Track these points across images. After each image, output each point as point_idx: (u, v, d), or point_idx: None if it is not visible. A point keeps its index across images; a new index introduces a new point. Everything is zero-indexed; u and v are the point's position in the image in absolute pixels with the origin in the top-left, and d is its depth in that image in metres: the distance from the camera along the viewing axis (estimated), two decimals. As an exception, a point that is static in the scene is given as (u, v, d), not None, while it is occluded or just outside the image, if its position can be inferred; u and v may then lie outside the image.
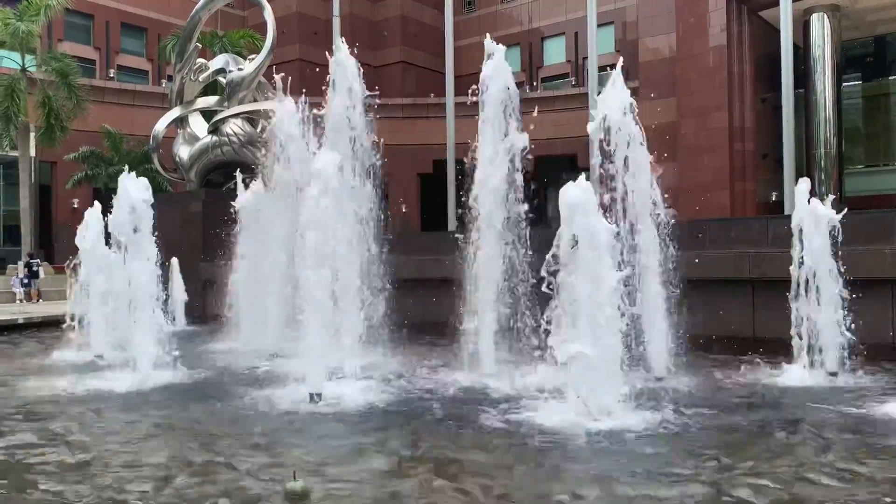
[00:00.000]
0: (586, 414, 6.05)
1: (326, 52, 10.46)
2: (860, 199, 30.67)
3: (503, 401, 7.14)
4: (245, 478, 4.85)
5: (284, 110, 11.52)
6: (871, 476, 4.77)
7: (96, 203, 11.50)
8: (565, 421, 6.04)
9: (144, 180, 9.26)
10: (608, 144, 7.93)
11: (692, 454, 5.27)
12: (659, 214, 8.24)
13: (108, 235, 9.75)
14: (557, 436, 5.77)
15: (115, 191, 9.24)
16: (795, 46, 24.12)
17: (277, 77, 11.75)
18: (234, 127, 18.90)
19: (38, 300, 26.24)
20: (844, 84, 32.17)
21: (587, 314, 6.05)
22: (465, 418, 6.53)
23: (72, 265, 11.61)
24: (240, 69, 19.46)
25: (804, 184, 8.77)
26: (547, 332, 6.20)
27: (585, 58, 28.47)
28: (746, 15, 31.05)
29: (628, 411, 6.23)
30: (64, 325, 11.45)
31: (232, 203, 13.25)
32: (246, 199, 13.20)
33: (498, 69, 8.82)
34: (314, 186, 7.61)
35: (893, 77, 34.06)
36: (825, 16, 30.13)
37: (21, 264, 27.49)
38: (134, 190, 9.01)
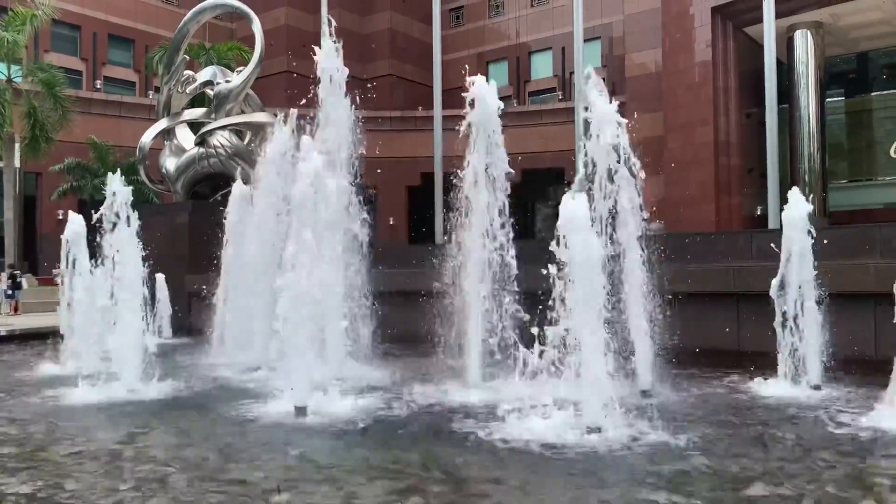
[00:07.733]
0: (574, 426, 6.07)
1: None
2: (844, 213, 31.03)
3: (489, 413, 7.11)
4: (225, 492, 4.81)
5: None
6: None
7: (71, 215, 10.95)
8: (551, 433, 6.05)
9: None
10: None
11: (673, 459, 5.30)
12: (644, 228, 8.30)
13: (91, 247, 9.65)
14: (546, 446, 5.77)
15: (100, 202, 9.18)
16: (780, 62, 24.46)
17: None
18: (221, 139, 18.88)
19: (16, 312, 25.95)
20: (828, 100, 32.62)
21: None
22: (450, 431, 6.52)
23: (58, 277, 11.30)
24: (227, 81, 19.44)
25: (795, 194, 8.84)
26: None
27: (572, 72, 28.68)
28: (731, 31, 31.46)
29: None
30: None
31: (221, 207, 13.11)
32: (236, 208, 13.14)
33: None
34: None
35: (876, 93, 34.54)
36: (808, 32, 30.59)
37: (4, 275, 27.26)
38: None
